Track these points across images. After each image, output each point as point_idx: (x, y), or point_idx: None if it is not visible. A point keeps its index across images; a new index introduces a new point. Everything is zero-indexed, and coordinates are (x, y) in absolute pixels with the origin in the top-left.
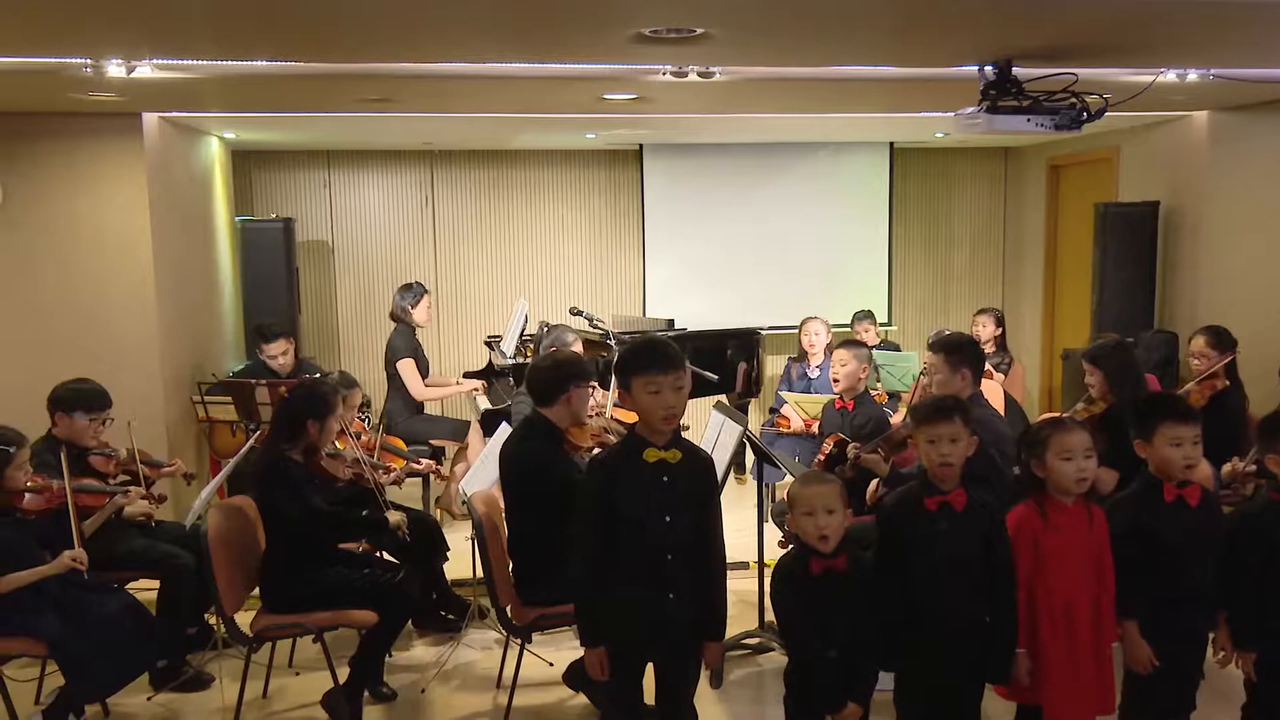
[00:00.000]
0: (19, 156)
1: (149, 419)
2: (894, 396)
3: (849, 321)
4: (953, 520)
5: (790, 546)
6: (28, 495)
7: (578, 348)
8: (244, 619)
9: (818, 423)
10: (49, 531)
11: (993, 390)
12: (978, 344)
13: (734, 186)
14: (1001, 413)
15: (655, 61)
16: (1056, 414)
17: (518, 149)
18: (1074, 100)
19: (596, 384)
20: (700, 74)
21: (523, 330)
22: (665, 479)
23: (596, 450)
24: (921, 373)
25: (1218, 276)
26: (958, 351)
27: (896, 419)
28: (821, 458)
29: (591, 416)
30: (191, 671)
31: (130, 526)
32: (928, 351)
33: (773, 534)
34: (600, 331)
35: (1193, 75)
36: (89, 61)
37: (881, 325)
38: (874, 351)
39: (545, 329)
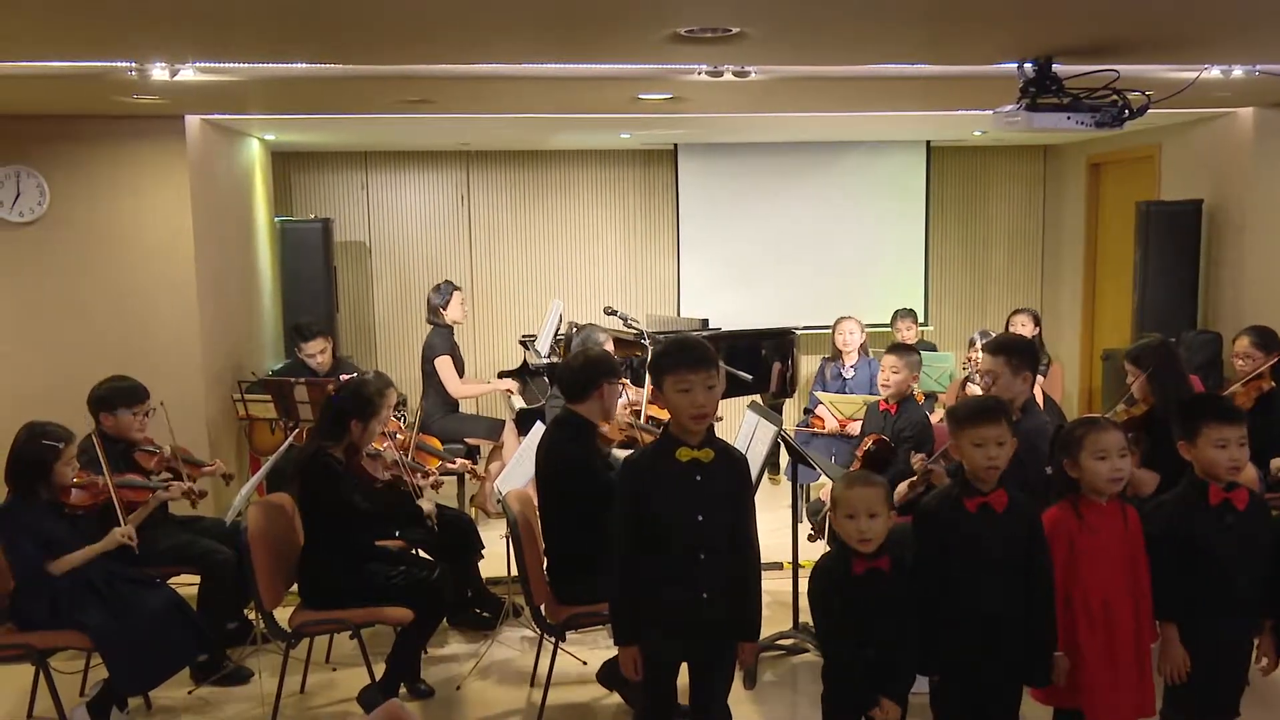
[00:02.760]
0: (65, 158)
1: (190, 416)
2: (930, 397)
3: (889, 320)
4: (993, 522)
5: (817, 539)
6: (74, 490)
7: (609, 347)
8: (282, 615)
9: (852, 423)
10: (95, 526)
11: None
12: (1034, 344)
13: (769, 186)
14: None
15: (690, 61)
16: (1093, 415)
17: (553, 149)
18: (1115, 97)
19: (628, 381)
20: (735, 73)
21: (557, 330)
22: (698, 478)
23: (625, 445)
24: (967, 377)
25: (1263, 276)
26: (1017, 353)
27: (934, 419)
28: (860, 454)
29: (622, 411)
30: (231, 666)
31: (172, 523)
32: (984, 354)
33: (806, 532)
34: (635, 331)
35: (1237, 71)
36: (134, 65)
37: (919, 326)
38: None
39: (574, 329)
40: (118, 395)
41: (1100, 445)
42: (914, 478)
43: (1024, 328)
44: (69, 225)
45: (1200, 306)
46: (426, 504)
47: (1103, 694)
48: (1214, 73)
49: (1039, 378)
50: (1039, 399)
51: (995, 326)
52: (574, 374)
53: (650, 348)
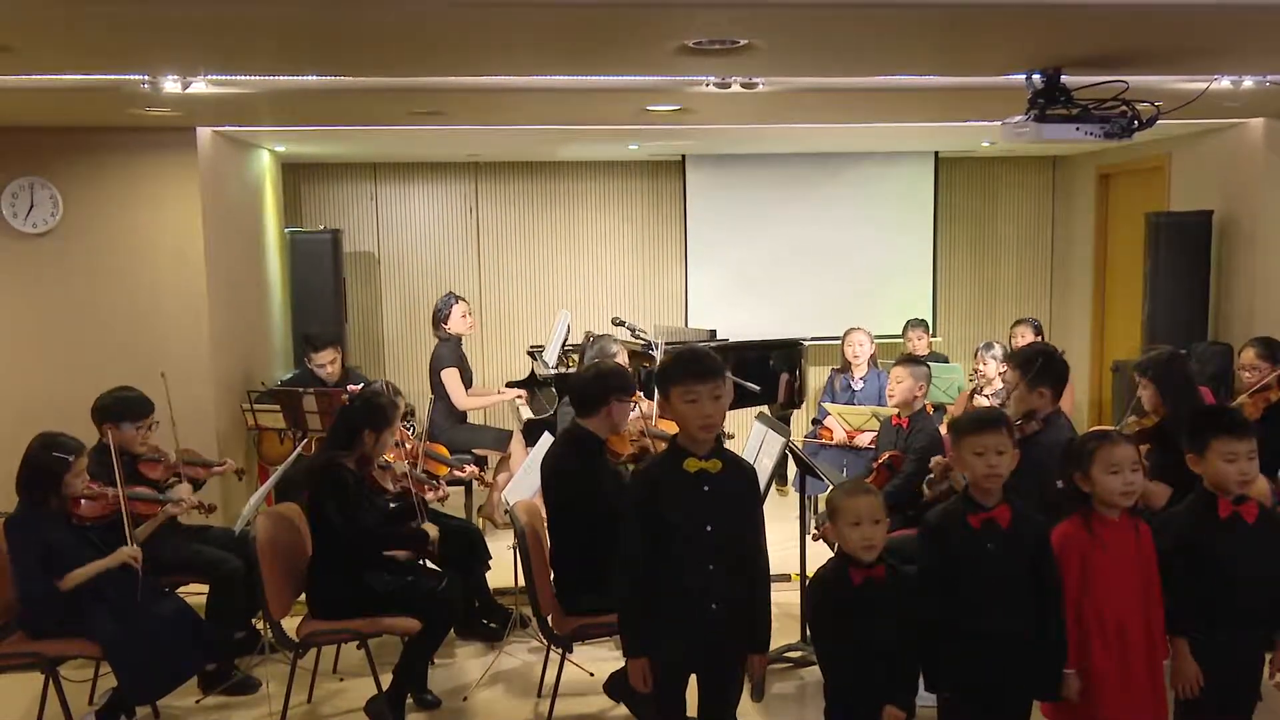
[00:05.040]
0: (79, 169)
1: (200, 426)
2: (939, 409)
3: (900, 330)
4: (999, 538)
5: (819, 540)
6: (84, 502)
7: (622, 359)
8: (290, 624)
9: (860, 434)
10: (104, 538)
11: None
12: (1057, 356)
13: (777, 197)
14: None
15: (699, 73)
16: (1104, 427)
17: (561, 160)
18: (1125, 108)
19: (640, 395)
20: (743, 85)
21: (565, 341)
22: (706, 488)
23: (637, 459)
24: (975, 388)
25: (1274, 286)
26: (1033, 367)
27: (943, 430)
28: (876, 467)
29: (634, 424)
30: (239, 675)
31: (181, 532)
32: (1005, 365)
33: (815, 546)
34: (642, 342)
35: (1248, 82)
36: (147, 78)
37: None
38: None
39: (590, 339)
40: (122, 407)
41: (1112, 459)
42: (931, 476)
43: (1024, 338)
44: (82, 236)
45: (1211, 317)
46: (432, 529)
47: (1116, 710)
48: (1224, 83)
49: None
50: None
51: (1004, 337)
52: (583, 387)
53: (658, 359)
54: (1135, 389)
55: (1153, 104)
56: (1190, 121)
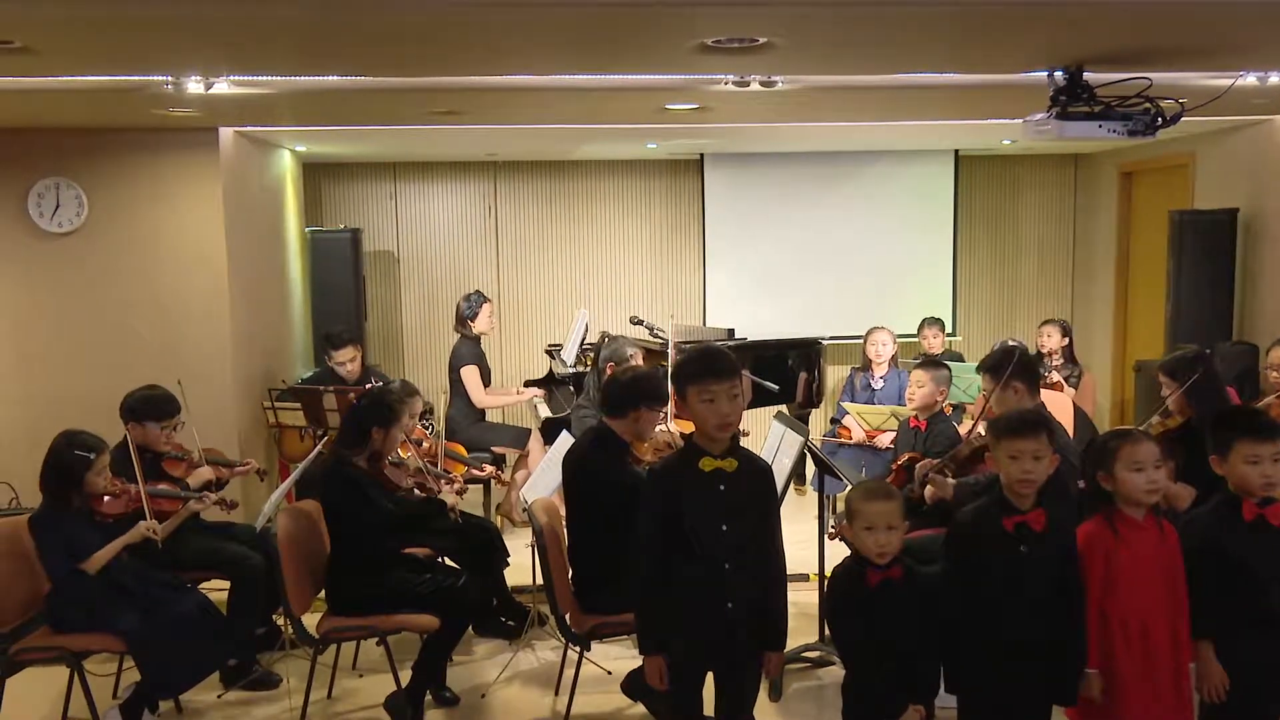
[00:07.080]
0: (103, 170)
1: (221, 424)
2: (958, 408)
3: (915, 329)
4: (1032, 542)
5: (835, 538)
6: (106, 499)
7: (637, 360)
8: (310, 620)
9: (880, 434)
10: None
11: (1061, 403)
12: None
13: (796, 195)
14: (1070, 426)
15: (717, 71)
16: (1125, 427)
17: (579, 159)
18: (1148, 105)
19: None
20: (762, 83)
21: (583, 339)
22: (722, 487)
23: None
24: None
25: None
26: (1000, 368)
27: (963, 429)
28: (895, 467)
29: (659, 429)
30: (260, 671)
31: (203, 528)
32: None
33: (833, 546)
34: (661, 341)
35: (1274, 78)
36: (170, 79)
37: (946, 335)
38: None
39: (605, 339)
40: (148, 406)
41: (1136, 457)
42: (913, 482)
43: (1050, 339)
44: (106, 236)
45: (1236, 317)
46: (450, 497)
47: (1140, 713)
48: (1250, 79)
49: (1070, 389)
50: (1069, 411)
51: (1025, 337)
52: (616, 389)
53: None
54: (1159, 389)
55: (1177, 101)
56: (1215, 118)
